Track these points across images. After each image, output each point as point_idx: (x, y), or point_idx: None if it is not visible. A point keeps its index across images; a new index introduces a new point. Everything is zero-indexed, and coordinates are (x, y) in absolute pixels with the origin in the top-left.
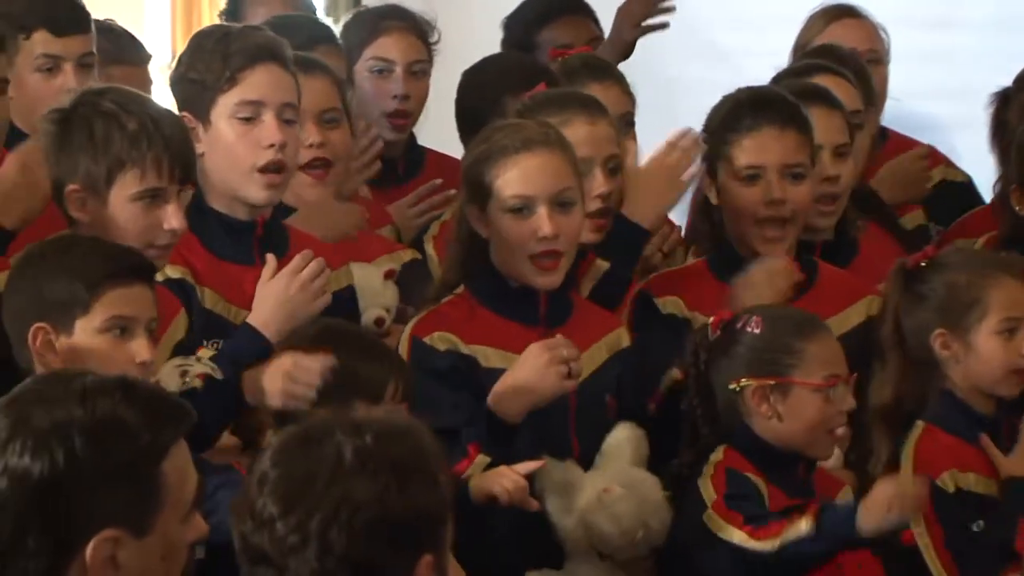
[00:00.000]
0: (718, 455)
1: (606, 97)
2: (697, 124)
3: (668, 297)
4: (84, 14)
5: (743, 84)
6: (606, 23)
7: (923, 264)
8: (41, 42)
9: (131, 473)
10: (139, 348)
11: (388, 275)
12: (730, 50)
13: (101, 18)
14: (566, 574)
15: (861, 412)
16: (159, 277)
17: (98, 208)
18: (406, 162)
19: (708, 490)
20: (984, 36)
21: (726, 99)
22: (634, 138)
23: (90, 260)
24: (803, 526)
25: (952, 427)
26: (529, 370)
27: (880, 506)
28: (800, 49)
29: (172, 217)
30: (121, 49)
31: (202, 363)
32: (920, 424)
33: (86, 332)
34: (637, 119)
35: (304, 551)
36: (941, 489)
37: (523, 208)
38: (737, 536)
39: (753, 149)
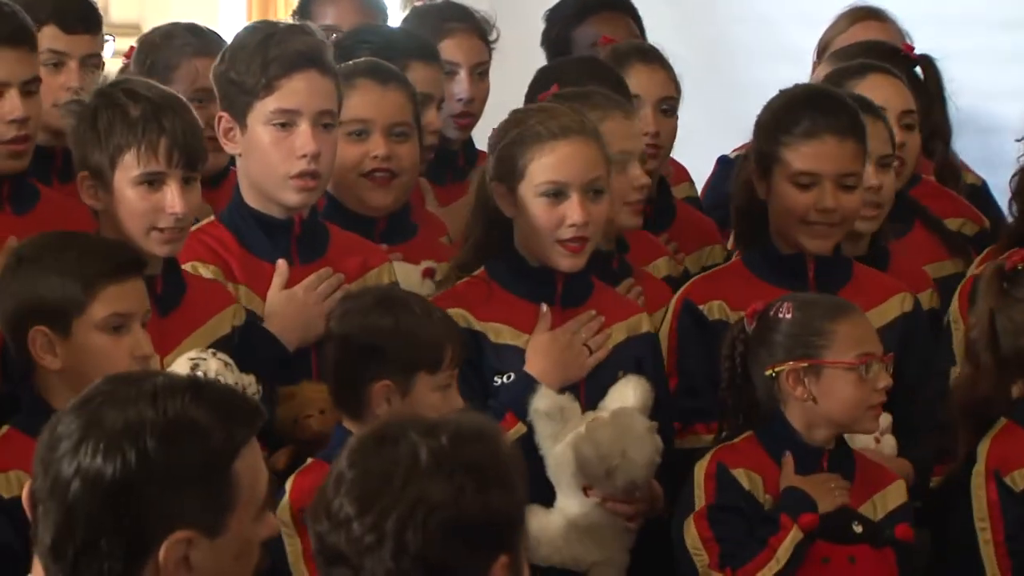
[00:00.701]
0: (722, 446)
1: (651, 80)
2: None
3: (712, 302)
4: (95, 15)
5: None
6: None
7: (1020, 267)
8: (49, 37)
9: (203, 474)
10: (137, 342)
11: (426, 273)
12: (803, 50)
13: (183, 20)
14: (555, 511)
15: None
16: (191, 271)
17: (107, 196)
18: (465, 158)
19: (700, 485)
20: None
21: (783, 96)
22: (674, 123)
23: (84, 260)
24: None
25: None
26: (548, 362)
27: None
28: (823, 49)
29: (174, 201)
30: (206, 43)
31: (216, 358)
32: (1003, 420)
33: (85, 331)
34: (711, 122)
35: (380, 551)
36: (1008, 487)
37: (556, 193)
38: (708, 567)
39: (812, 156)
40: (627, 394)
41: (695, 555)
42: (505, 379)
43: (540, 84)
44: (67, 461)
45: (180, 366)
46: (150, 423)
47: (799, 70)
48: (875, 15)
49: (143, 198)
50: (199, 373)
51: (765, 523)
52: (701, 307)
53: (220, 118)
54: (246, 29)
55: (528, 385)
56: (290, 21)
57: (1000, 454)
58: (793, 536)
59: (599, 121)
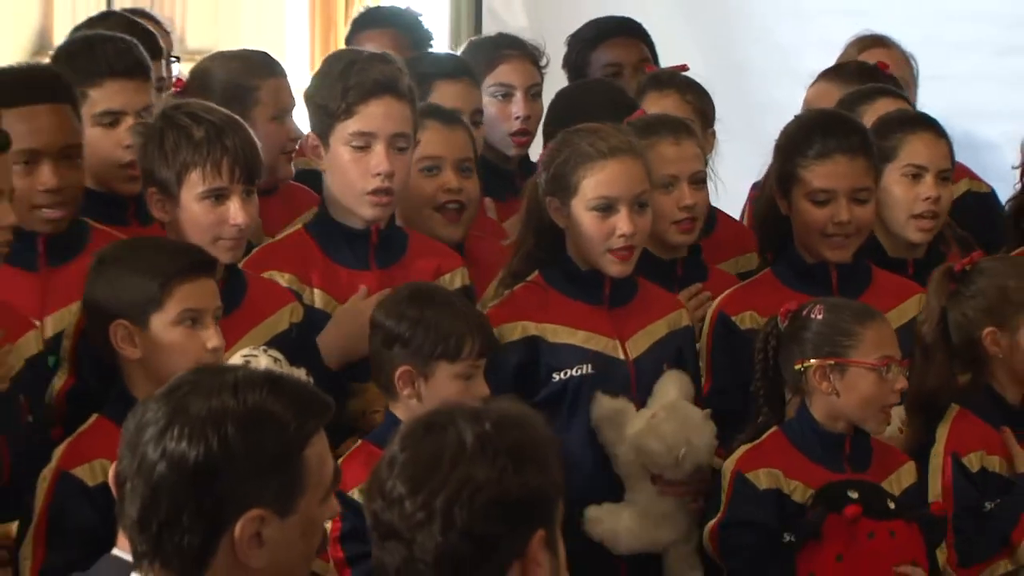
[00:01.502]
0: (753, 447)
1: (681, 155)
2: None
3: (744, 313)
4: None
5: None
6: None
7: (968, 268)
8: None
9: (277, 460)
10: (209, 336)
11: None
12: (815, 73)
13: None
14: (626, 504)
15: None
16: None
17: (173, 208)
18: (522, 174)
19: (725, 489)
20: None
21: (797, 121)
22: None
23: (160, 260)
24: None
25: (986, 415)
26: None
27: None
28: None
29: (236, 213)
30: (268, 64)
31: (267, 355)
32: (955, 407)
33: (161, 325)
34: (729, 140)
35: (430, 527)
36: (965, 467)
37: (606, 207)
38: None
39: (825, 175)
40: (668, 389)
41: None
42: (562, 375)
43: (559, 105)
44: (153, 445)
45: (234, 362)
46: (231, 412)
47: None
48: (881, 42)
49: (208, 211)
50: (264, 361)
51: (796, 516)
52: (734, 318)
53: (308, 136)
54: (332, 56)
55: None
56: (372, 50)
57: (958, 437)
58: None
59: (651, 146)
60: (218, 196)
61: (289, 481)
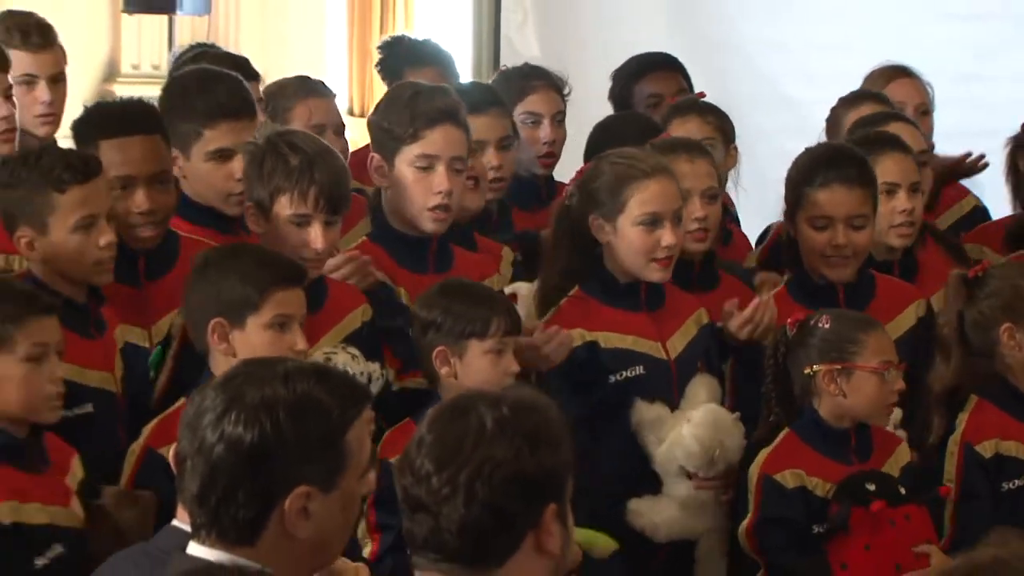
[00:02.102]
0: (774, 448)
1: (695, 172)
2: (773, 168)
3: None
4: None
5: (810, 130)
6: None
7: (980, 274)
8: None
9: (323, 443)
10: (296, 339)
11: None
12: (798, 101)
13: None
14: (663, 497)
15: (916, 398)
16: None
17: (266, 224)
18: (547, 190)
19: (752, 491)
20: (1012, 88)
21: (806, 153)
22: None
23: (260, 268)
24: None
25: (1004, 404)
26: None
27: None
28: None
29: (316, 239)
30: (312, 87)
31: (346, 351)
32: (974, 398)
33: (256, 327)
34: None
35: (454, 500)
36: (978, 454)
37: (652, 222)
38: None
39: (825, 202)
40: (699, 392)
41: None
42: (617, 377)
43: (598, 135)
44: (212, 429)
45: (316, 358)
46: (282, 400)
47: (794, 117)
48: (904, 72)
49: (293, 233)
50: (342, 358)
51: (821, 509)
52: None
53: (372, 157)
54: (397, 87)
55: None
56: (432, 84)
57: (975, 426)
58: None
59: (676, 159)
60: (302, 222)
61: (332, 461)
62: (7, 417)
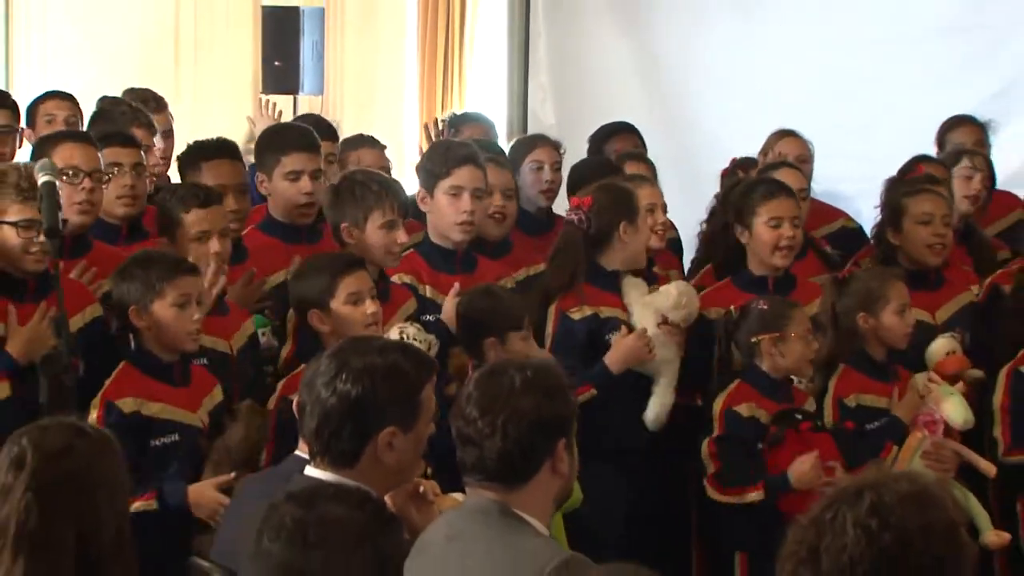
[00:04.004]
0: (732, 387)
1: (651, 194)
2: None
3: (711, 308)
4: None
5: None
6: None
7: (847, 276)
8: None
9: (405, 397)
10: (368, 307)
11: None
12: (741, 151)
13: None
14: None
15: None
16: (396, 280)
17: (360, 236)
18: (548, 219)
19: (716, 419)
20: (890, 142)
21: (744, 183)
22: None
23: (332, 260)
24: (752, 495)
25: (862, 368)
26: (629, 352)
27: (805, 474)
28: (764, 153)
29: (402, 236)
30: (362, 141)
31: (413, 326)
32: (841, 366)
33: (337, 306)
34: (673, 194)
35: (493, 438)
36: (846, 405)
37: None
38: (706, 483)
39: (775, 208)
40: (671, 290)
41: (705, 461)
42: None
43: (574, 174)
44: (325, 386)
45: (393, 332)
46: (378, 366)
47: (723, 162)
48: (791, 133)
49: (385, 236)
50: (405, 334)
51: (763, 431)
52: (704, 311)
53: (419, 191)
54: (435, 143)
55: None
56: (462, 139)
57: (842, 386)
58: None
59: (641, 186)
60: (391, 226)
61: (411, 411)
62: (160, 345)
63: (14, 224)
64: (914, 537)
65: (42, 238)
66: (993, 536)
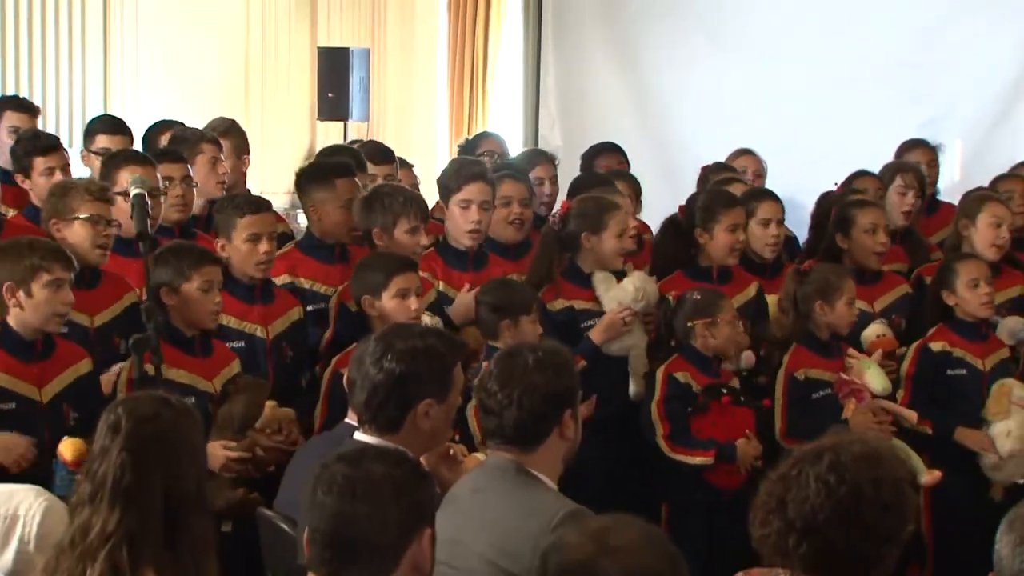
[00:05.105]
0: (671, 359)
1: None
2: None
3: (668, 292)
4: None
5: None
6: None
7: (807, 270)
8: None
9: (440, 374)
10: (413, 303)
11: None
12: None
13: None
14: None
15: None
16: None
17: (388, 240)
18: (543, 223)
19: (659, 383)
20: (844, 160)
21: (708, 192)
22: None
23: (387, 261)
24: (699, 459)
25: (812, 346)
26: (609, 325)
27: (748, 454)
28: (723, 169)
29: (423, 239)
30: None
31: (426, 314)
32: (794, 344)
33: (388, 298)
34: (653, 204)
35: (510, 408)
36: (795, 378)
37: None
38: (660, 440)
39: (733, 216)
40: (628, 285)
41: (655, 423)
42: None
43: (573, 185)
44: (373, 364)
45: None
46: (419, 348)
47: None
48: (747, 152)
49: (410, 240)
50: (426, 319)
51: (694, 400)
52: (664, 293)
53: (437, 203)
54: (451, 160)
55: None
56: (473, 158)
57: (794, 361)
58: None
59: (619, 196)
60: (414, 231)
61: (445, 385)
62: (185, 322)
63: (86, 219)
64: (865, 490)
65: (111, 230)
66: (927, 476)
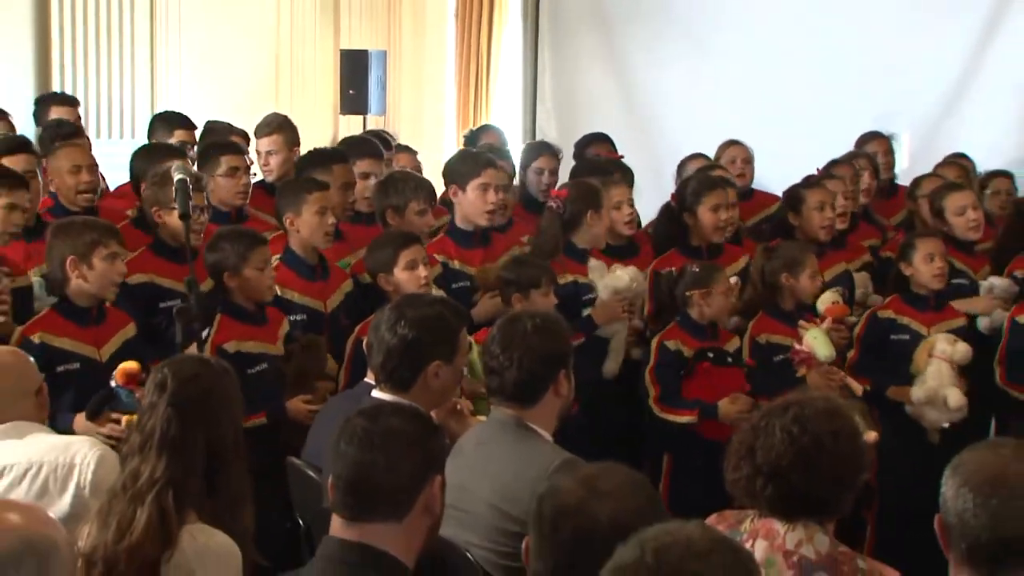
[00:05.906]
0: (667, 329)
1: (621, 192)
2: (667, 189)
3: (664, 268)
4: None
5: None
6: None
7: (774, 246)
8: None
9: (448, 337)
10: (422, 272)
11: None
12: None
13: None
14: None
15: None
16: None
17: (400, 220)
18: (544, 203)
19: (652, 351)
20: (812, 148)
21: (693, 176)
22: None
23: (393, 237)
24: (685, 418)
25: (774, 315)
26: (609, 308)
27: (730, 411)
28: (718, 157)
29: (431, 221)
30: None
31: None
32: (761, 312)
33: (399, 271)
34: (644, 191)
35: (511, 368)
36: (759, 342)
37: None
38: (652, 403)
39: (717, 196)
40: (624, 275)
41: (648, 387)
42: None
43: (574, 174)
44: (388, 330)
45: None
46: (429, 315)
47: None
48: (736, 143)
49: (419, 220)
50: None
51: (685, 364)
52: (659, 270)
53: (449, 187)
54: (464, 150)
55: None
56: (484, 144)
57: (758, 328)
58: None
59: (616, 185)
60: (423, 212)
61: (452, 348)
62: (244, 296)
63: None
64: (825, 440)
65: (204, 217)
66: (866, 436)
